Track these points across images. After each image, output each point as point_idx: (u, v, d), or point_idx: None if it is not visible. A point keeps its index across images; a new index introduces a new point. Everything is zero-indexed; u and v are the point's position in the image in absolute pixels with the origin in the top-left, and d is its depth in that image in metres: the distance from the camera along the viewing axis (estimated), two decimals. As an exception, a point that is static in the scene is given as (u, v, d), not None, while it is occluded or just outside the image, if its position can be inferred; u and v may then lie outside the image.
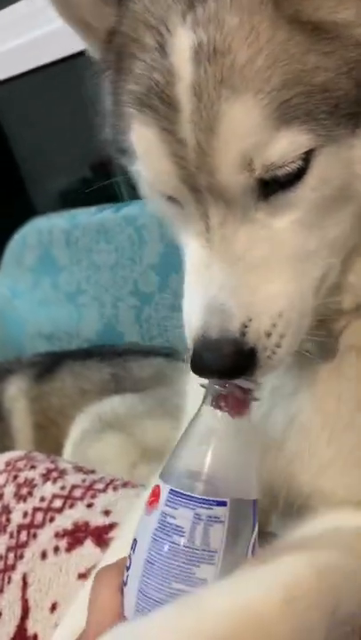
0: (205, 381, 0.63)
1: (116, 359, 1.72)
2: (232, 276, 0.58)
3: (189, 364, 0.62)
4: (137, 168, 0.64)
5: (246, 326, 0.58)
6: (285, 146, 0.54)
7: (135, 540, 0.62)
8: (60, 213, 2.08)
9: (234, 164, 0.55)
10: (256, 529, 0.61)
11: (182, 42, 0.55)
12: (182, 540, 0.58)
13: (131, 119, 0.60)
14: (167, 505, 0.59)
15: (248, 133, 0.54)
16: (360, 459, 0.70)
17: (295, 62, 0.53)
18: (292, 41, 0.53)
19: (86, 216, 1.93)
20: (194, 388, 0.80)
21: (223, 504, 0.59)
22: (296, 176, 0.56)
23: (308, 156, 0.55)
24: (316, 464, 0.72)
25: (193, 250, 0.61)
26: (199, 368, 0.61)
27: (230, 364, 0.59)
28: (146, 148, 0.60)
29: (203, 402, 0.63)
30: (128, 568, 0.61)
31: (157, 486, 0.62)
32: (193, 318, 0.61)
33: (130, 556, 0.62)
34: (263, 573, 0.56)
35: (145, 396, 1.57)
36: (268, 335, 0.60)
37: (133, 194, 0.75)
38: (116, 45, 0.63)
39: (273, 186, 0.57)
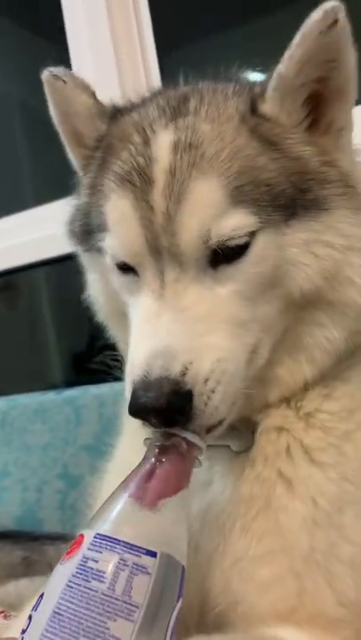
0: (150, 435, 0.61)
1: (31, 542, 1.58)
2: (179, 323, 0.64)
3: (127, 407, 0.62)
4: (104, 241, 0.72)
5: (187, 368, 0.62)
6: (236, 222, 0.66)
7: (41, 596, 0.54)
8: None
9: (194, 229, 0.65)
10: (180, 603, 0.54)
11: (164, 138, 0.69)
12: (102, 587, 0.51)
13: (110, 192, 0.71)
14: (90, 549, 0.53)
15: (209, 205, 0.65)
16: (271, 550, 0.68)
17: (249, 160, 0.68)
18: (249, 145, 0.68)
19: (27, 398, 1.91)
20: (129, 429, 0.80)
21: (153, 554, 0.53)
22: (240, 253, 0.67)
23: (251, 236, 0.66)
24: (229, 557, 0.69)
25: (144, 304, 0.67)
26: (136, 408, 0.61)
27: (167, 403, 0.60)
28: (120, 215, 0.69)
29: (143, 459, 0.60)
30: (24, 631, 0.52)
31: (81, 535, 0.56)
32: (136, 361, 0.63)
33: (30, 617, 0.53)
34: None
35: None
36: (206, 381, 0.62)
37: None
38: (105, 145, 0.77)
39: (221, 258, 0.66)
